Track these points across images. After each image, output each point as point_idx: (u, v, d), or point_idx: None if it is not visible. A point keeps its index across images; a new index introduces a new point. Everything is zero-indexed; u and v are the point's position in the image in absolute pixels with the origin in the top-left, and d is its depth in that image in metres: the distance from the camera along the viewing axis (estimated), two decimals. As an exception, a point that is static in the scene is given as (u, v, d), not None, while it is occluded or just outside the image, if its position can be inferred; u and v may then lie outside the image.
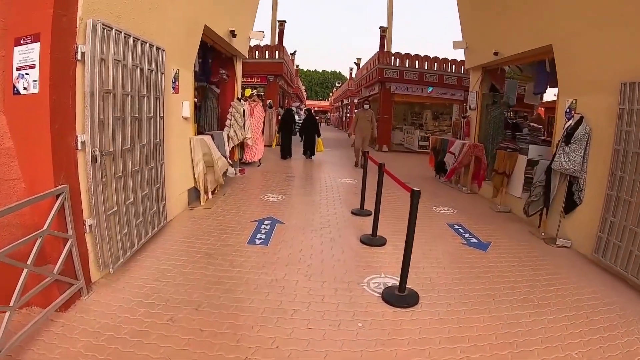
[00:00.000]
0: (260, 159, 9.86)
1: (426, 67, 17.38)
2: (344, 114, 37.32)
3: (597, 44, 4.54)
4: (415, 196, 2.85)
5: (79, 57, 2.82)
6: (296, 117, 22.58)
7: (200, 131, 7.66)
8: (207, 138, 5.62)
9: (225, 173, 6.58)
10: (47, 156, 2.62)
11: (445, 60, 17.51)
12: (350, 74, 33.69)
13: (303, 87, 46.93)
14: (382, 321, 2.81)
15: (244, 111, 7.85)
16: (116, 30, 3.10)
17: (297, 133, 13.59)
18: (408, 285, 3.14)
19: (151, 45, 3.76)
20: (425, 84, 17.32)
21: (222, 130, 7.96)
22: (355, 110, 10.79)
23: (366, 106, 10.83)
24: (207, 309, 2.82)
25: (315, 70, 71.21)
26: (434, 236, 4.81)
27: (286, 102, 22.39)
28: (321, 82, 70.11)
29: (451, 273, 3.72)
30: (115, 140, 3.22)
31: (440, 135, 17.05)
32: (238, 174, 8.31)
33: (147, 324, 2.58)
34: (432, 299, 3.17)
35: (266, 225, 4.87)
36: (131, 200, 3.50)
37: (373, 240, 4.43)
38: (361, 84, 22.96)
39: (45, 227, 2.40)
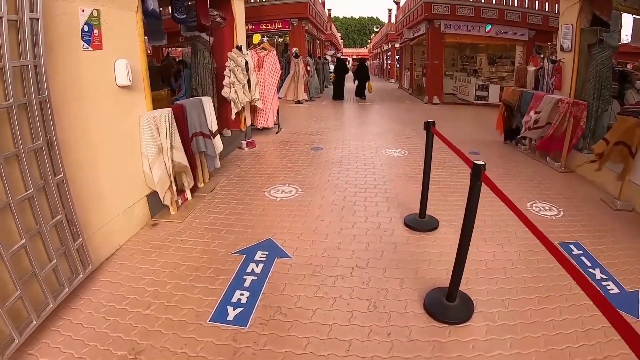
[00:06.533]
0: (278, 123, 7.81)
1: (483, 1, 14.14)
2: (384, 61, 33.82)
3: None
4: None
5: None
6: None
7: (192, 96, 5.67)
8: (162, 113, 3.44)
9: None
10: None
11: (506, -9, 14.17)
12: (389, 16, 29.84)
13: (339, 35, 43.27)
14: None
15: (246, 63, 5.71)
16: None
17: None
18: None
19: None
20: (483, 21, 14.07)
21: (221, 91, 5.91)
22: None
23: None
24: None
25: (352, 17, 67.14)
26: (549, 281, 2.67)
27: (317, 50, 19.72)
28: (358, 29, 66.11)
29: None
30: None
31: (501, 83, 14.15)
32: (246, 148, 6.34)
33: None
34: None
35: (258, 262, 2.88)
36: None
37: (450, 310, 2.29)
38: (403, 24, 19.73)
39: None
